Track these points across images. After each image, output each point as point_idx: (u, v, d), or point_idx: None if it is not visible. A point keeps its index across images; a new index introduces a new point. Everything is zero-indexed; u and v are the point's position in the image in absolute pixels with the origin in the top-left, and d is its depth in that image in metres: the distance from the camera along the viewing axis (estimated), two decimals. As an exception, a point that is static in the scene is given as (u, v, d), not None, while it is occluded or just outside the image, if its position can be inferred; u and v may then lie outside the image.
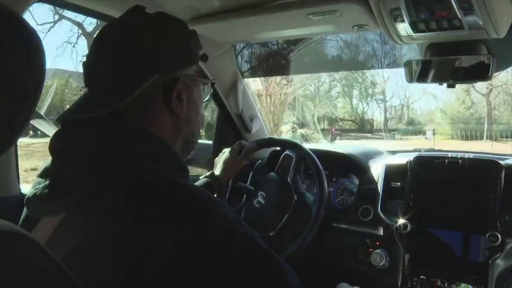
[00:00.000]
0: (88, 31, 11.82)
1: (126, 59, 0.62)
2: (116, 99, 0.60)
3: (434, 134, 12.08)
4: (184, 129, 0.68)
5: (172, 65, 0.65)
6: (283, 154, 1.36)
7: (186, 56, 0.67)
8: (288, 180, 1.30)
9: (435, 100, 15.88)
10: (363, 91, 16.57)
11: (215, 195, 1.24)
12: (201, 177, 1.26)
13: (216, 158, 1.32)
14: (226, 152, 1.32)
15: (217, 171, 1.26)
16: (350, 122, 16.42)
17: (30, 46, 0.44)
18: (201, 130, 0.74)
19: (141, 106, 0.62)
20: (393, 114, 16.57)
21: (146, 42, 0.63)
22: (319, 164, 1.27)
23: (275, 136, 1.45)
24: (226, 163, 1.28)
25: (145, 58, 0.62)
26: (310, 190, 1.40)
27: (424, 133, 12.71)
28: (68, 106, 0.68)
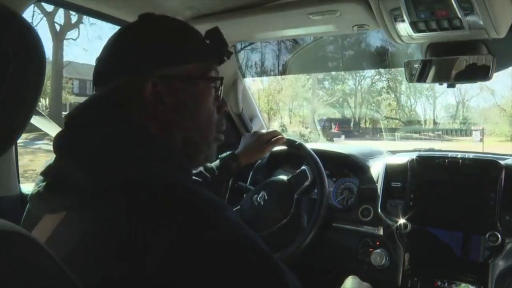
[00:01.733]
0: (48, 10, 10.73)
1: (106, 61, 0.65)
2: (94, 98, 0.64)
3: (483, 134, 10.08)
4: (176, 133, 0.64)
5: (142, 65, 0.62)
6: (301, 168, 1.31)
7: (165, 55, 0.63)
8: (294, 197, 1.27)
9: (493, 96, 13.64)
10: (411, 86, 14.21)
11: (231, 177, 1.26)
12: (220, 156, 1.25)
13: (243, 137, 1.32)
14: (256, 134, 1.31)
15: (240, 151, 1.27)
16: (396, 121, 14.44)
17: (30, 46, 0.44)
18: (208, 135, 0.68)
19: (128, 107, 0.62)
20: (445, 112, 14.45)
21: (120, 43, 0.65)
22: (321, 165, 1.26)
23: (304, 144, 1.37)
24: (250, 146, 1.28)
25: (117, 59, 0.64)
26: (311, 191, 1.39)
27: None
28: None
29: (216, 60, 0.69)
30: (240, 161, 1.24)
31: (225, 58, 0.70)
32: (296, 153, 1.34)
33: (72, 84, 13.78)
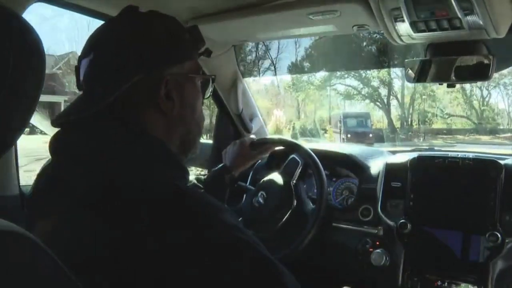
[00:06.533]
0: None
1: (111, 61, 0.62)
2: (99, 100, 0.60)
3: None
4: (178, 128, 0.67)
5: (155, 65, 0.63)
6: (289, 157, 1.34)
7: (173, 54, 0.65)
8: (291, 184, 1.29)
9: None
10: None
11: (227, 190, 1.26)
12: (212, 169, 1.28)
13: (224, 150, 1.34)
14: (236, 144, 1.33)
15: (228, 163, 1.28)
16: (464, 120, 10.89)
17: (30, 46, 0.44)
18: (202, 128, 0.73)
19: (132, 107, 0.62)
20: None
21: (129, 42, 0.63)
22: (320, 165, 1.26)
23: (283, 137, 1.43)
24: (237, 154, 1.29)
25: (127, 59, 0.62)
26: (310, 190, 1.40)
27: None
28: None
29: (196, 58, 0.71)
30: (234, 172, 1.27)
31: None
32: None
33: None
